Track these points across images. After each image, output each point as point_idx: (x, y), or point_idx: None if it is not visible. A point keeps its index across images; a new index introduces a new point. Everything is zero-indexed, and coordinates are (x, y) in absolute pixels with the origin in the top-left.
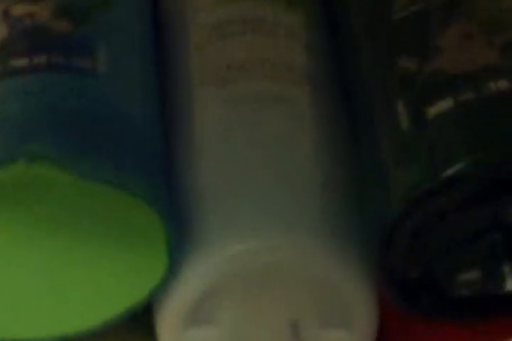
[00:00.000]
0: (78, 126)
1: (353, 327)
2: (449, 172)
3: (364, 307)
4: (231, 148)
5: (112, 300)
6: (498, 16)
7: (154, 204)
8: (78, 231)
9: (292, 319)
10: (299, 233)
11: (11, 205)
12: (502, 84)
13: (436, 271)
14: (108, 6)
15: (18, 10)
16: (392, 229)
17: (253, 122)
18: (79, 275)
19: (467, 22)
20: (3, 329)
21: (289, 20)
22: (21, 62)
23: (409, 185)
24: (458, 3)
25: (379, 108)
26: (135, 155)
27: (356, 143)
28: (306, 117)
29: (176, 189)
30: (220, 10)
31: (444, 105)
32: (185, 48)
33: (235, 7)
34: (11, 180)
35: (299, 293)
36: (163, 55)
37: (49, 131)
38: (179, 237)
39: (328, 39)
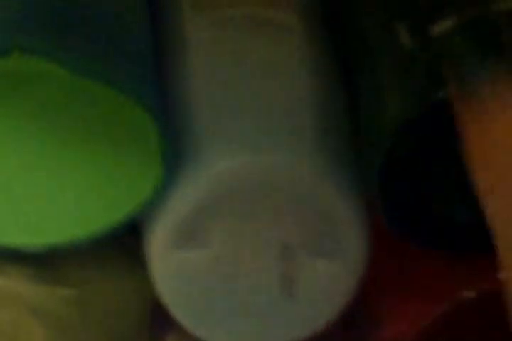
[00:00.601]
0: (69, 21)
1: (343, 256)
2: None
3: (355, 234)
4: (222, 68)
5: (101, 210)
6: None
7: (145, 104)
8: (69, 132)
9: (282, 243)
10: (290, 151)
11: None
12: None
13: (433, 197)
14: None
15: None
16: (389, 149)
17: (244, 43)
18: (69, 183)
19: None
20: None
21: None
22: None
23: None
24: None
25: (378, 32)
26: (127, 55)
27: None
28: (298, 42)
29: (168, 106)
30: None
31: (448, 23)
32: None
33: None
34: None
35: (289, 215)
36: None
37: (39, 24)
38: (171, 150)
39: None
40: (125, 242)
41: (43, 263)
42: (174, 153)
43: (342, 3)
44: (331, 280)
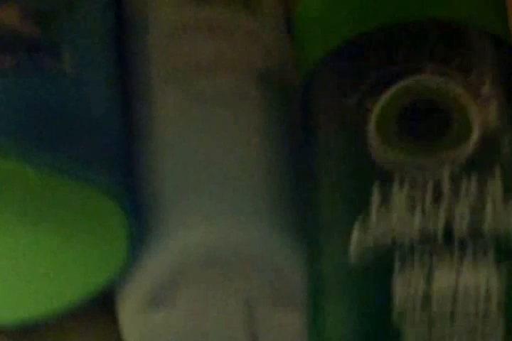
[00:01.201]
0: (39, 121)
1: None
2: None
3: None
4: (187, 145)
5: (73, 285)
6: None
7: (114, 196)
8: (41, 219)
9: (246, 301)
10: (250, 225)
11: None
12: None
13: None
14: (73, 8)
15: None
16: None
17: (210, 119)
18: (42, 261)
19: None
20: None
21: (249, 23)
22: None
23: None
24: None
25: None
26: (94, 149)
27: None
28: (259, 115)
29: (137, 182)
30: (181, 11)
31: None
32: (147, 47)
33: (196, 9)
34: None
35: (250, 277)
36: (126, 53)
37: (7, 124)
38: (139, 227)
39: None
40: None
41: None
42: (141, 228)
43: None
44: (292, 330)
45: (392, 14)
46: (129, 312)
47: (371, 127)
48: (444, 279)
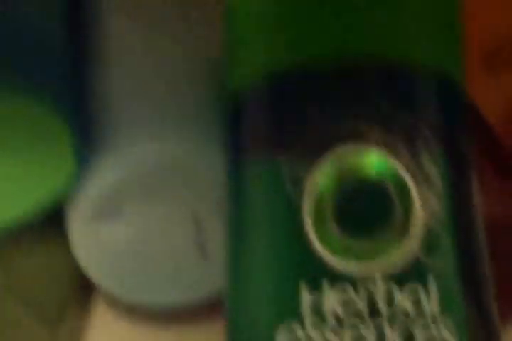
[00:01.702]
0: None
1: None
2: None
3: None
4: (132, 63)
5: (23, 199)
6: None
7: (56, 110)
8: None
9: (192, 211)
10: (191, 139)
11: None
12: None
13: None
14: None
15: None
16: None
17: (155, 39)
18: None
19: None
20: None
21: None
22: None
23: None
24: None
25: None
26: (37, 65)
27: None
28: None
29: (84, 101)
30: None
31: None
32: None
33: None
34: None
35: (197, 189)
36: None
37: None
38: (86, 143)
39: None
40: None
41: None
42: (88, 144)
43: None
44: None
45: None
46: (77, 225)
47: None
48: None
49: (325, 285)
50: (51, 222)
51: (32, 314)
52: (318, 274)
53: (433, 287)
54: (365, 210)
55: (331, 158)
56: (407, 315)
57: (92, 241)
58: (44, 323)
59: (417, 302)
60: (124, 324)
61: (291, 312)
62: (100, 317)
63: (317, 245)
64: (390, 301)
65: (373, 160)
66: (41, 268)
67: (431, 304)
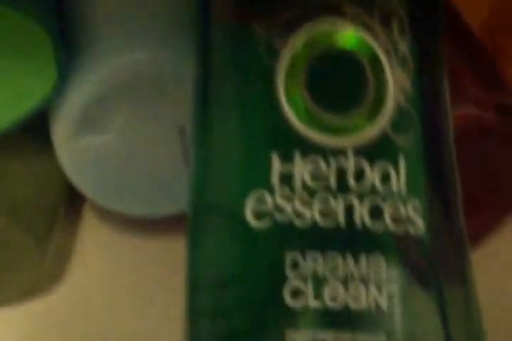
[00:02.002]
0: None
1: None
2: None
3: None
4: None
5: (6, 106)
6: None
7: (37, 19)
8: None
9: (177, 122)
10: (172, 47)
11: None
12: None
13: None
14: None
15: None
16: None
17: None
18: None
19: None
20: None
21: None
22: None
23: None
24: None
25: None
26: None
27: None
28: None
29: (62, 9)
30: None
31: None
32: None
33: None
34: None
35: (178, 100)
36: None
37: None
38: (70, 50)
39: None
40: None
41: None
42: (72, 54)
43: None
44: None
45: None
46: (60, 135)
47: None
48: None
49: (296, 156)
50: (38, 132)
51: (19, 223)
52: (291, 145)
53: (402, 166)
54: (339, 83)
55: (308, 29)
56: (375, 191)
57: (76, 152)
58: (32, 233)
59: (386, 180)
60: (112, 235)
61: (261, 181)
62: (90, 229)
63: (290, 115)
64: (359, 176)
65: (349, 34)
66: (29, 177)
67: (399, 183)
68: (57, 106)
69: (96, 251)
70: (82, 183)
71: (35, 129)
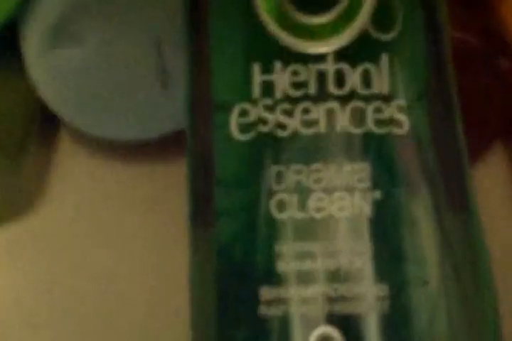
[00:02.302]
0: None
1: None
2: None
3: None
4: None
5: None
6: None
7: None
8: None
9: (154, 39)
10: None
11: None
12: None
13: None
14: None
15: None
16: None
17: None
18: None
19: None
20: None
21: None
22: None
23: None
24: None
25: None
26: None
27: None
28: None
29: None
30: None
31: None
32: None
33: None
34: None
35: (160, 16)
36: None
37: None
38: None
39: None
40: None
41: None
42: None
43: None
44: None
45: None
46: (34, 47)
47: None
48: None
49: (277, 65)
50: (7, 47)
51: None
52: (271, 55)
53: (385, 65)
54: None
55: None
56: (357, 95)
57: (49, 66)
58: (5, 154)
59: (368, 82)
60: (87, 159)
61: (243, 94)
62: (65, 152)
63: (269, 23)
64: (340, 81)
65: None
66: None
67: (382, 83)
68: (30, 18)
69: (73, 174)
70: (55, 101)
71: (4, 44)
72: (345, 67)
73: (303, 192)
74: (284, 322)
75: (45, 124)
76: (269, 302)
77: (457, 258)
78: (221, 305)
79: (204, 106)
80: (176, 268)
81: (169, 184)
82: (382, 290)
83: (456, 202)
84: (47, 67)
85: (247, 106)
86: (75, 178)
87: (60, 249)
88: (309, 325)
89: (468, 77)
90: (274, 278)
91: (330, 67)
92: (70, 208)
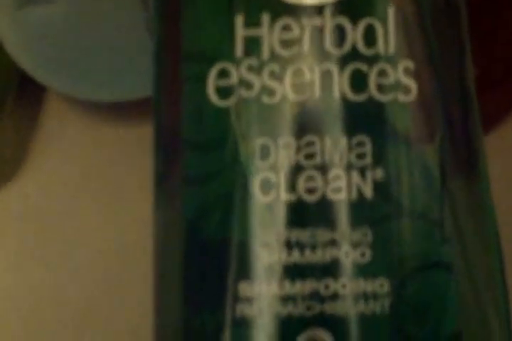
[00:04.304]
0: None
1: None
2: None
3: None
4: None
5: None
6: None
7: None
8: None
9: None
10: None
11: None
12: None
13: None
14: None
15: None
16: None
17: None
18: None
19: None
20: None
21: None
22: None
23: None
24: None
25: None
26: None
27: None
28: None
29: None
30: None
31: None
32: None
33: None
34: None
35: None
36: None
37: None
38: None
39: None
40: None
41: None
42: None
43: None
44: None
45: None
46: (3, 6)
47: None
48: None
49: (264, 19)
50: None
51: None
52: (257, 5)
53: (392, 22)
54: None
55: None
56: (358, 55)
57: (20, 26)
58: None
59: (371, 40)
60: (73, 121)
61: (224, 51)
62: (50, 113)
63: None
64: (339, 39)
65: None
66: None
67: (388, 43)
68: None
69: (57, 138)
70: (27, 62)
71: None
72: (345, 21)
73: (292, 170)
74: (269, 323)
75: (28, 86)
76: (248, 301)
77: (465, 232)
78: (187, 294)
79: (173, 59)
80: None
81: None
82: (382, 286)
83: (464, 167)
84: (17, 28)
85: (227, 65)
86: (60, 141)
87: (44, 215)
88: (295, 327)
89: (496, 19)
90: (253, 271)
91: (327, 21)
92: (54, 172)
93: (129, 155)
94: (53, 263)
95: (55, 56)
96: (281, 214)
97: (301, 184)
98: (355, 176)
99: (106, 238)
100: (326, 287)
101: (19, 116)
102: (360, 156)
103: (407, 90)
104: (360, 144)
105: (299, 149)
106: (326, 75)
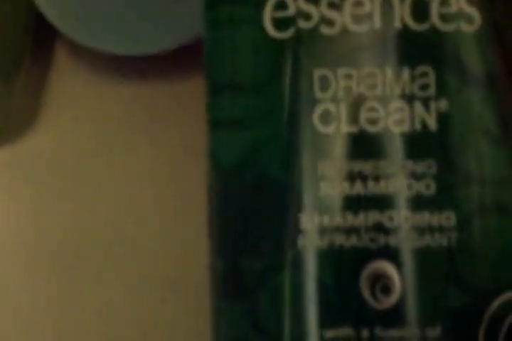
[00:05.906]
0: None
1: None
2: None
3: None
4: None
5: None
6: None
7: None
8: None
9: None
10: None
11: None
12: None
13: None
14: None
15: None
16: None
17: None
18: None
19: None
20: None
21: None
22: None
23: None
24: None
25: None
26: None
27: None
28: None
29: None
30: None
31: None
32: None
33: None
34: None
35: None
36: None
37: None
38: None
39: None
40: None
41: None
42: None
43: None
44: None
45: None
46: None
47: None
48: None
49: None
50: None
51: None
52: None
53: None
54: None
55: None
56: None
57: None
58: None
59: None
60: (86, 75)
61: None
62: (62, 67)
63: None
64: None
65: None
66: None
67: None
68: None
69: (71, 91)
70: (52, 10)
71: None
72: None
73: (353, 102)
74: (332, 255)
75: (40, 37)
76: (310, 232)
77: None
78: (245, 230)
79: None
80: (185, 187)
81: (172, 104)
82: (449, 219)
83: None
84: None
85: None
86: (73, 96)
87: (58, 169)
88: (358, 260)
89: None
90: (316, 202)
91: None
92: (68, 127)
93: (142, 110)
94: (68, 218)
95: (81, 4)
96: (342, 145)
97: (363, 115)
98: (419, 107)
99: (120, 192)
100: (390, 219)
101: (31, 70)
102: (424, 87)
103: (470, 19)
104: (424, 75)
105: (359, 80)
106: (387, 5)
